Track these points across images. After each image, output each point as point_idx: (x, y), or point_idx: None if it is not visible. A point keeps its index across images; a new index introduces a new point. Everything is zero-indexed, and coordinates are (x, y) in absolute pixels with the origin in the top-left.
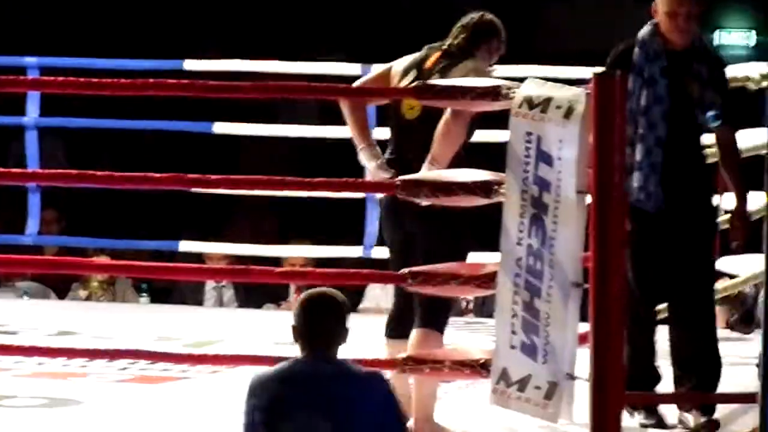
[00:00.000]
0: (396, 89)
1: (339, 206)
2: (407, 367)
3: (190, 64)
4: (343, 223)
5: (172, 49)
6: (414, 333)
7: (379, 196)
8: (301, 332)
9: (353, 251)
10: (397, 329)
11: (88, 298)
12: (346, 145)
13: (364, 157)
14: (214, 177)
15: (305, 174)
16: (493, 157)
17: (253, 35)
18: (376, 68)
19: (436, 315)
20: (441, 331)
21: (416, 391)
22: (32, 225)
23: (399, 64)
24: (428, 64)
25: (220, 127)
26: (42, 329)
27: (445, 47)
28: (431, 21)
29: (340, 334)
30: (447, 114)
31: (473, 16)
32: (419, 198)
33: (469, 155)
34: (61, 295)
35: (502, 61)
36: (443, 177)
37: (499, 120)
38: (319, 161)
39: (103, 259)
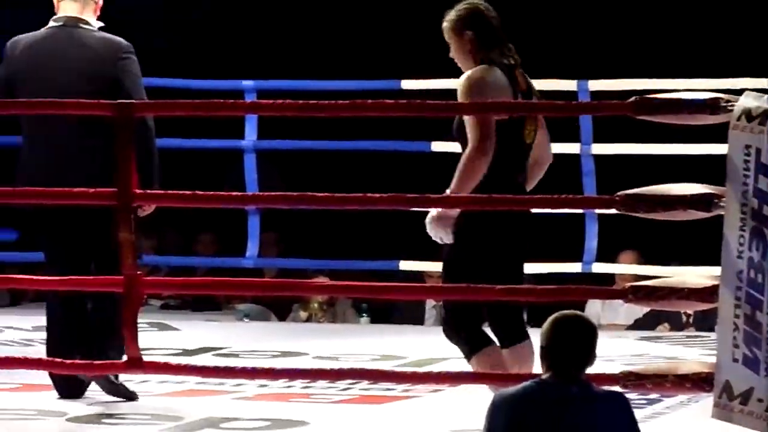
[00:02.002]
0: (610, 104)
1: (557, 222)
2: (629, 382)
3: (408, 84)
4: (562, 239)
5: (389, 68)
6: (513, 350)
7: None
8: (550, 352)
9: (573, 267)
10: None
11: (308, 320)
12: (564, 159)
13: None
14: (433, 196)
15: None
16: (712, 170)
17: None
18: (592, 84)
19: (518, 325)
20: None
21: None
22: (252, 247)
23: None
24: (522, 84)
25: (439, 146)
26: (263, 351)
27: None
28: (645, 37)
29: (588, 357)
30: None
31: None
32: (638, 212)
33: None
34: (282, 316)
35: (725, 74)
36: (662, 191)
37: (717, 133)
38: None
39: (323, 280)
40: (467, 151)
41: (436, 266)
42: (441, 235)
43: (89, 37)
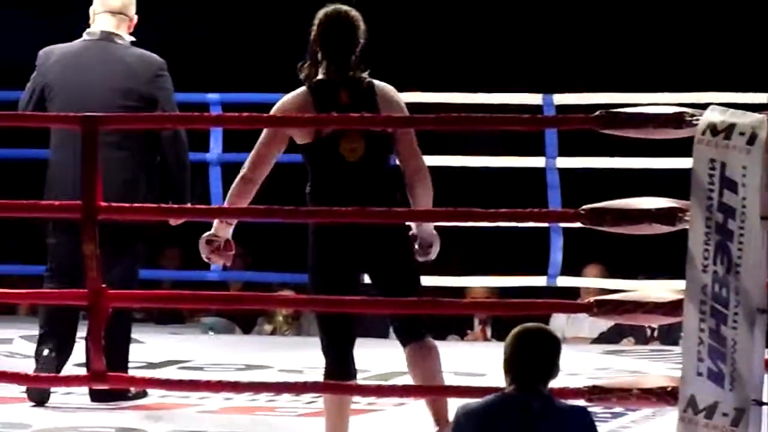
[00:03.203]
0: (575, 118)
1: (521, 236)
2: (594, 396)
3: None
4: (527, 253)
5: None
6: (416, 345)
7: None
8: (513, 365)
9: (537, 281)
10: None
11: (273, 333)
12: (529, 173)
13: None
14: (396, 210)
15: (488, 204)
16: (677, 184)
17: (435, 68)
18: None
19: (423, 323)
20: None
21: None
22: None
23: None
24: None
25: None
26: (228, 364)
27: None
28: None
29: (552, 370)
30: (423, 164)
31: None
32: (603, 226)
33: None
34: (247, 330)
35: (690, 88)
36: (627, 205)
37: (682, 147)
38: (499, 191)
39: (288, 294)
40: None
41: None
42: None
43: (125, 52)
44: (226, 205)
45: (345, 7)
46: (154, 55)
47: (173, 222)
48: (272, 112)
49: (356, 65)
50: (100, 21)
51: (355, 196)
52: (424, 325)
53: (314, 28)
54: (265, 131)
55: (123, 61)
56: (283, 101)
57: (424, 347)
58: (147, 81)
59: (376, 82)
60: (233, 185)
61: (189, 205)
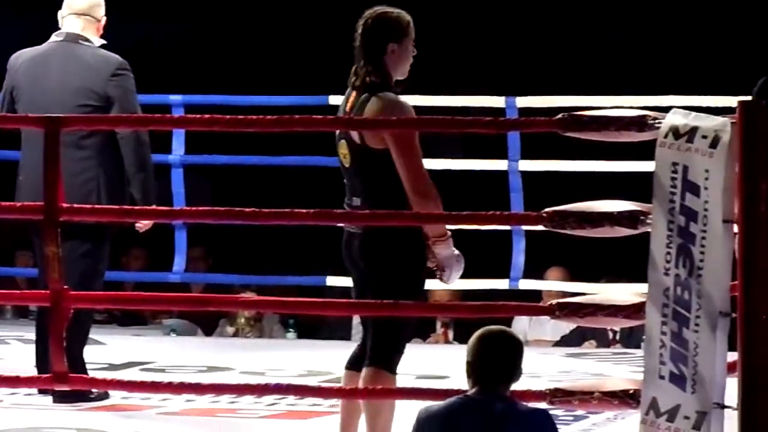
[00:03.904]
0: (538, 120)
1: (484, 239)
2: (556, 399)
3: (335, 100)
4: (489, 256)
5: (317, 84)
6: (364, 371)
7: None
8: (475, 368)
9: (499, 284)
10: (355, 363)
11: (235, 335)
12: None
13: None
14: (360, 212)
15: (450, 207)
16: (639, 187)
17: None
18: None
19: (387, 353)
20: (392, 371)
21: (370, 420)
22: (179, 262)
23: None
24: (348, 105)
25: None
26: (190, 366)
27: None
28: (573, 54)
29: (514, 372)
30: (414, 185)
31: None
32: (565, 229)
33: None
34: (208, 331)
35: (653, 91)
36: (589, 208)
37: (645, 150)
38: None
39: (250, 295)
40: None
41: None
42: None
43: (85, 52)
44: None
45: (368, 12)
46: (114, 55)
47: (140, 227)
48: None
49: (367, 72)
50: (66, 23)
51: (357, 201)
52: (378, 352)
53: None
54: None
55: (82, 61)
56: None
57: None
58: (104, 80)
59: (383, 94)
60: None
61: (151, 206)
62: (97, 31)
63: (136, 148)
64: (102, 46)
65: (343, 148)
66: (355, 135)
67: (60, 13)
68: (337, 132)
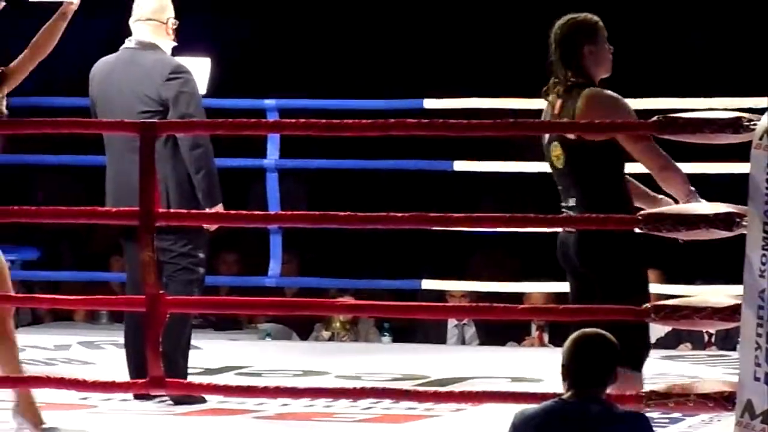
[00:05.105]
0: (638, 123)
1: None
2: (651, 401)
3: (430, 103)
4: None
5: (411, 87)
6: None
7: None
8: (571, 371)
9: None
10: None
11: (330, 339)
12: None
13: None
14: (455, 215)
15: (541, 210)
16: (734, 189)
17: (493, 73)
18: None
19: (635, 353)
20: (640, 369)
21: None
22: (274, 267)
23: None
24: (556, 109)
25: (460, 165)
26: (285, 370)
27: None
28: (664, 55)
29: (609, 375)
30: (655, 165)
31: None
32: (661, 232)
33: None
34: (304, 336)
35: (745, 93)
36: (685, 210)
37: (740, 152)
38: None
39: (349, 300)
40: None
41: (458, 285)
42: None
43: (147, 59)
44: None
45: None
46: (171, 58)
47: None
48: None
49: (569, 77)
50: (134, 30)
51: (567, 203)
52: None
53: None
54: None
55: (141, 68)
56: None
57: None
58: (158, 84)
59: (588, 89)
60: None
61: (220, 208)
62: (166, 33)
63: (193, 150)
64: (176, 48)
65: (556, 150)
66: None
67: (130, 20)
68: (546, 136)
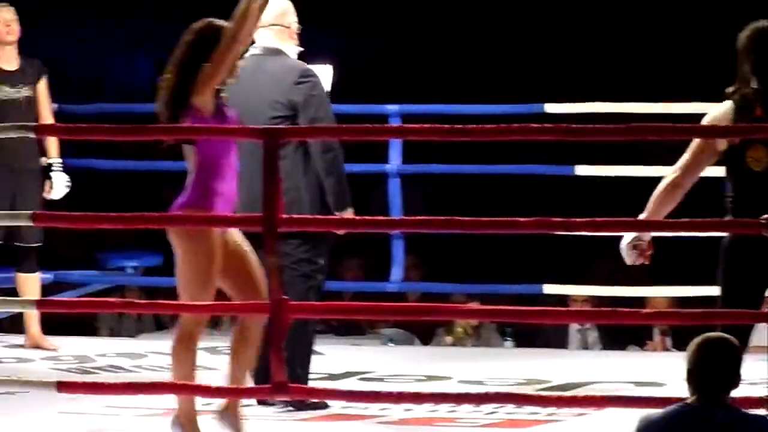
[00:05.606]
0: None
1: (702, 246)
2: None
3: (551, 108)
4: (707, 262)
5: (532, 92)
6: None
7: None
8: (695, 376)
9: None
10: None
11: (453, 344)
12: (706, 183)
13: None
14: (578, 220)
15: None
16: None
17: (614, 76)
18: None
19: None
20: None
21: None
22: (397, 272)
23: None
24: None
25: (582, 170)
26: (408, 375)
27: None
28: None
29: (733, 379)
30: None
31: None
32: None
33: None
34: (426, 341)
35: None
36: None
37: None
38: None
39: (475, 305)
40: None
41: (580, 290)
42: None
43: (273, 64)
44: (648, 211)
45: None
46: (299, 62)
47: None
48: (703, 121)
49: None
50: (258, 37)
51: (762, 206)
52: None
53: (745, 41)
54: (696, 140)
55: (269, 73)
56: (711, 110)
57: None
58: (288, 89)
59: None
60: (658, 191)
61: (351, 212)
62: (290, 37)
63: (323, 154)
64: (300, 54)
65: (759, 152)
66: None
67: None
68: (741, 140)
